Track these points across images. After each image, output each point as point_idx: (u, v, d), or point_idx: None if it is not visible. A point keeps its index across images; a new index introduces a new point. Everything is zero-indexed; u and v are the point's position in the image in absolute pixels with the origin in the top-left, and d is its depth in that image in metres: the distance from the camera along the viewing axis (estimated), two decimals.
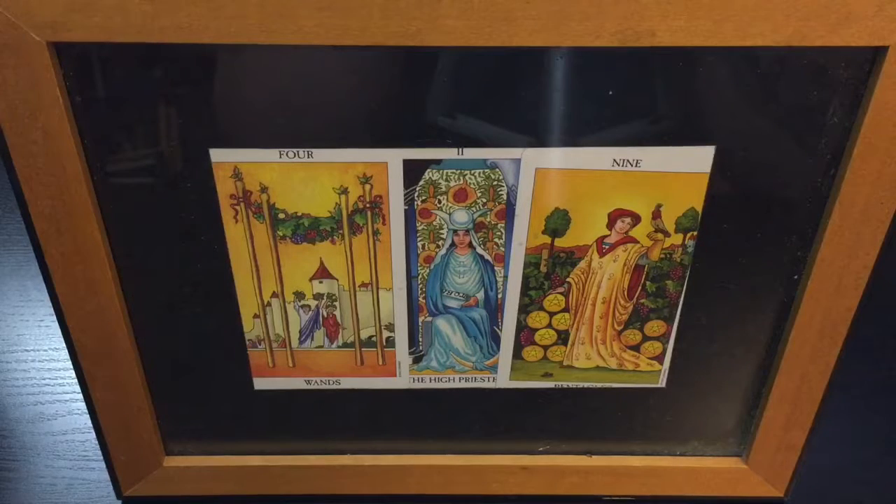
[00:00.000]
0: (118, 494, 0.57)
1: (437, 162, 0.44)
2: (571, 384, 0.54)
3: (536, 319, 0.50)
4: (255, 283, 0.48)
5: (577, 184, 0.44)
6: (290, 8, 0.37)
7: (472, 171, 0.44)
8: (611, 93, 0.41)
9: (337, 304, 0.50)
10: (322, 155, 0.43)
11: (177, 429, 0.55)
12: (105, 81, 0.41)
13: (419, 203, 0.45)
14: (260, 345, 0.51)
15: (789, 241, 0.47)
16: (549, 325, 0.51)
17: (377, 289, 0.49)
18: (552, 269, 0.48)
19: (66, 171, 0.42)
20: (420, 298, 0.50)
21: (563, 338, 0.51)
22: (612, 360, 0.52)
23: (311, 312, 0.50)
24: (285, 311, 0.50)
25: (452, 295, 0.49)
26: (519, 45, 0.39)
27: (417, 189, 0.45)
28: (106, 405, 0.52)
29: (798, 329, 0.49)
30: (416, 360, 0.53)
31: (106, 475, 0.56)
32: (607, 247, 0.47)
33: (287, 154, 0.43)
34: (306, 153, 0.43)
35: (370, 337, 0.51)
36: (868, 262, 0.46)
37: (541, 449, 0.57)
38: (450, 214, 0.46)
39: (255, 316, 0.50)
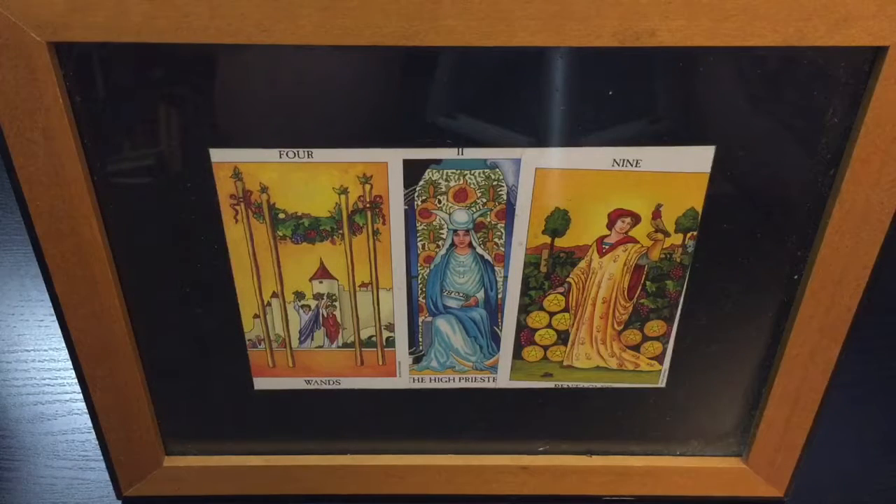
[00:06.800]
0: (118, 494, 0.57)
1: (437, 162, 0.44)
2: (571, 384, 0.54)
3: (536, 319, 0.50)
4: (255, 283, 0.48)
5: (577, 184, 0.44)
6: (290, 8, 0.37)
7: (472, 171, 0.44)
8: (611, 93, 0.41)
9: (337, 304, 0.50)
10: (322, 155, 0.43)
11: (177, 429, 0.55)
12: (105, 81, 0.41)
13: (419, 203, 0.45)
14: (260, 345, 0.51)
15: (789, 241, 0.47)
16: (549, 325, 0.51)
17: (377, 289, 0.49)
18: (552, 269, 0.48)
19: (66, 171, 0.42)
20: (420, 298, 0.50)
21: (563, 338, 0.51)
22: (613, 360, 0.52)
23: (311, 312, 0.50)
24: (285, 311, 0.50)
25: (452, 295, 0.49)
26: (519, 45, 0.39)
27: (417, 189, 0.45)
28: (106, 405, 0.52)
29: (798, 329, 0.49)
30: (416, 360, 0.53)
31: (106, 475, 0.56)
32: (607, 247, 0.47)
33: (287, 154, 0.43)
34: (306, 153, 0.43)
35: (370, 337, 0.51)
36: (868, 262, 0.46)
37: (541, 449, 0.57)
38: (450, 214, 0.46)
39: (255, 316, 0.50)
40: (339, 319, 0.50)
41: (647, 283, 0.49)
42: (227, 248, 0.47)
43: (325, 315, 0.50)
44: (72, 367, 0.50)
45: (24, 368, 0.69)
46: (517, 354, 0.52)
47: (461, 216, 0.46)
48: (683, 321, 0.50)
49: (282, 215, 0.46)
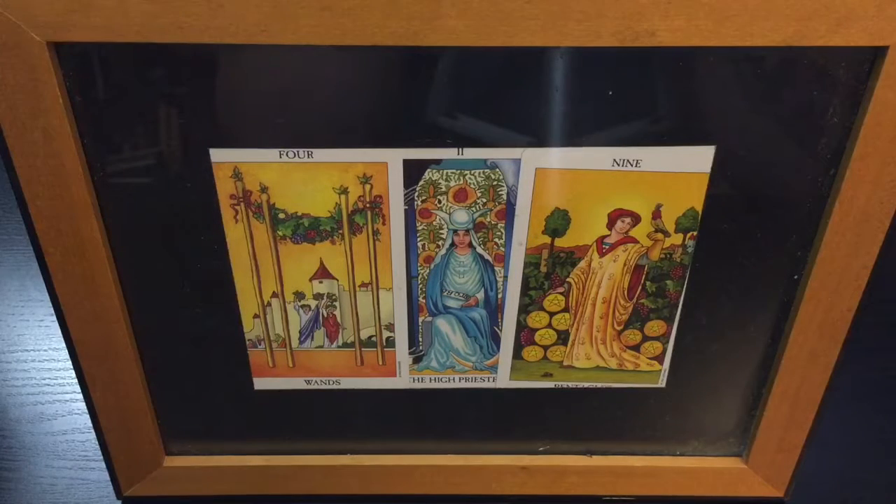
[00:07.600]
0: (118, 494, 0.57)
1: (437, 162, 0.44)
2: (571, 384, 0.54)
3: (536, 319, 0.50)
4: (255, 283, 0.48)
5: (577, 184, 0.44)
6: (290, 8, 0.37)
7: (472, 171, 0.44)
8: (611, 93, 0.41)
9: (337, 304, 0.50)
10: (322, 155, 0.43)
11: (177, 429, 0.55)
12: (105, 81, 0.41)
13: (419, 203, 0.45)
14: (260, 345, 0.51)
15: (789, 241, 0.47)
16: (549, 325, 0.51)
17: (377, 289, 0.49)
18: (552, 269, 0.48)
19: (66, 171, 0.42)
20: (420, 298, 0.50)
21: (563, 338, 0.51)
22: (612, 360, 0.52)
23: (311, 312, 0.50)
24: (285, 311, 0.50)
25: (452, 295, 0.49)
26: (519, 45, 0.39)
27: (417, 189, 0.45)
28: (106, 405, 0.52)
29: (798, 329, 0.49)
30: (416, 360, 0.53)
31: (106, 475, 0.56)
32: (607, 247, 0.47)
33: (287, 154, 0.43)
34: (306, 153, 0.43)
35: (370, 337, 0.51)
36: (868, 262, 0.46)
37: (541, 449, 0.57)
38: (450, 214, 0.46)
39: (255, 316, 0.50)
40: (339, 319, 0.50)
41: (647, 283, 0.49)
42: (227, 248, 0.47)
43: (325, 315, 0.50)
44: (72, 367, 0.50)
45: (24, 368, 0.69)
46: (517, 354, 0.52)
47: (461, 216, 0.46)
48: (683, 321, 0.50)
49: (282, 215, 0.46)
